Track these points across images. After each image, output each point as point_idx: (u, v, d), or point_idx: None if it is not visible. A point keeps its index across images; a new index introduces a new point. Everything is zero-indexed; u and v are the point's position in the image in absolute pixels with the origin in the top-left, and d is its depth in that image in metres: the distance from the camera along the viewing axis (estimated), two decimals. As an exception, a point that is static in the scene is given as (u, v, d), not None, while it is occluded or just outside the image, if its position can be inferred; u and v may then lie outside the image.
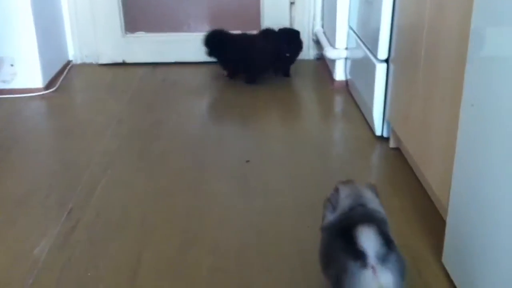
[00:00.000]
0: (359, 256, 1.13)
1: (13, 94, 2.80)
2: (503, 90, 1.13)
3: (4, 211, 1.83)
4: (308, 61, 3.30)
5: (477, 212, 1.26)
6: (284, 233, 1.69)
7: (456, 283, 1.39)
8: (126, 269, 1.54)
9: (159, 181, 2.01)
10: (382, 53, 2.18)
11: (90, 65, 3.32)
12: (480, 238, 1.25)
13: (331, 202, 1.31)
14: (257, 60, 2.95)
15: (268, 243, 1.65)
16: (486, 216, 1.21)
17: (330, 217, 1.29)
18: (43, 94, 2.85)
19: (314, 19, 3.30)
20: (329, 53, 2.87)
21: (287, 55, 2.98)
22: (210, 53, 2.98)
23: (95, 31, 3.26)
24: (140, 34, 3.34)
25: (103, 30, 3.26)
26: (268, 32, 3.00)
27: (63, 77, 3.10)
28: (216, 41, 2.97)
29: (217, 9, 3.31)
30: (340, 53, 2.82)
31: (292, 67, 3.06)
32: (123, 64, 3.32)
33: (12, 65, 2.80)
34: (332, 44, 2.88)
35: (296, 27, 3.26)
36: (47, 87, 2.89)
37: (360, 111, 2.56)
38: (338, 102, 2.80)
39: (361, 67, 2.52)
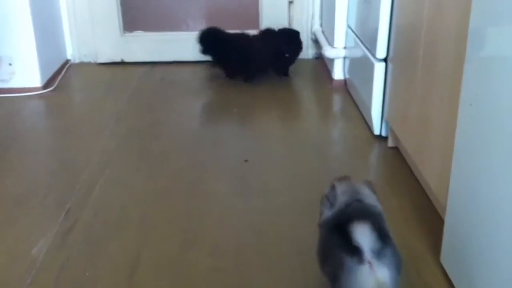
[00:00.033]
0: (355, 251, 1.14)
1: (11, 93, 2.80)
2: (501, 90, 1.13)
3: (2, 211, 1.83)
4: (306, 60, 3.30)
5: (475, 211, 1.26)
6: (284, 232, 1.69)
7: (454, 283, 1.39)
8: (125, 269, 1.53)
9: (158, 181, 2.01)
10: (381, 52, 2.18)
11: (88, 64, 3.32)
12: (478, 238, 1.25)
13: (328, 198, 1.32)
14: (252, 58, 2.95)
15: (267, 243, 1.65)
16: (485, 216, 1.21)
17: (328, 213, 1.31)
18: (41, 93, 2.85)
19: (312, 18, 3.30)
20: (328, 52, 2.87)
21: (287, 55, 2.95)
22: (204, 51, 2.97)
23: (93, 30, 3.26)
24: (139, 33, 3.33)
25: (101, 29, 3.26)
26: (267, 32, 2.99)
27: (62, 76, 3.10)
28: (211, 39, 2.96)
29: (215, 8, 3.31)
30: (338, 52, 2.82)
31: (291, 67, 3.06)
32: (122, 63, 3.32)
33: (10, 64, 2.80)
34: (331, 43, 2.88)
35: (294, 26, 3.26)
36: (45, 86, 2.89)
37: (359, 110, 2.56)
38: (337, 101, 2.80)
39: (360, 66, 2.52)
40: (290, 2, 3.28)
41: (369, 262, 1.13)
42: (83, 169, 2.08)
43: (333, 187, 1.33)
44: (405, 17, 1.97)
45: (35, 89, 2.85)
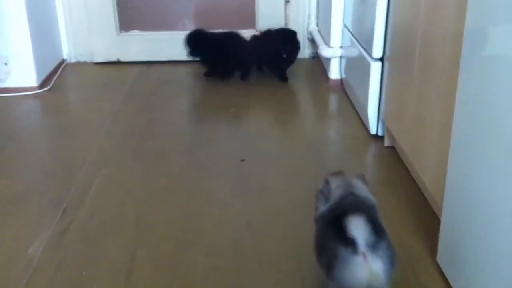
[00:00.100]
0: (350, 243, 1.16)
1: (7, 93, 2.79)
2: (497, 89, 1.13)
3: (-2, 211, 1.83)
4: (303, 59, 3.30)
5: (471, 210, 1.26)
6: (281, 232, 1.69)
7: (451, 282, 1.39)
8: (121, 269, 1.53)
9: (154, 180, 2.01)
10: (377, 51, 2.18)
11: (84, 63, 3.31)
12: (474, 237, 1.25)
13: (323, 193, 1.34)
14: (241, 57, 2.95)
15: (264, 242, 1.65)
16: (481, 215, 1.22)
17: (323, 208, 1.32)
18: (37, 93, 2.84)
19: (309, 17, 3.30)
20: (324, 51, 2.87)
21: (284, 56, 2.92)
22: (191, 53, 2.96)
23: (89, 29, 3.25)
24: (135, 33, 3.33)
25: (97, 28, 3.26)
26: (267, 33, 2.98)
27: (57, 76, 3.09)
28: (197, 41, 2.95)
29: (211, 7, 3.31)
30: (335, 52, 2.83)
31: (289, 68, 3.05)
32: (118, 62, 3.31)
33: (6, 64, 2.79)
34: (327, 43, 2.88)
35: (291, 25, 3.26)
36: (41, 86, 2.89)
37: (355, 109, 2.56)
38: (333, 100, 2.80)
39: (356, 66, 2.52)
40: (287, 2, 3.28)
41: (363, 254, 1.15)
42: (79, 169, 2.07)
43: (327, 182, 1.35)
44: (401, 17, 1.97)
45: (31, 88, 2.84)
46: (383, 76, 2.19)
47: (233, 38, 2.97)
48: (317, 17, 3.27)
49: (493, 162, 1.15)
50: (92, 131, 2.42)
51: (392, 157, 2.12)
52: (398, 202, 1.82)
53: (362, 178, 1.38)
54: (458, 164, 1.34)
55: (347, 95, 2.74)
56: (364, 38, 2.36)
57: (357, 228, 1.16)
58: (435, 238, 1.48)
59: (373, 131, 2.29)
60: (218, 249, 1.62)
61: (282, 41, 2.90)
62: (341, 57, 2.83)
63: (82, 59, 3.32)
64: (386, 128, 2.21)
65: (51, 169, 2.13)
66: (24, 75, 2.82)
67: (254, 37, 3.03)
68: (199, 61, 3.02)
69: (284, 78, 2.98)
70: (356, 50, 2.45)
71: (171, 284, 1.48)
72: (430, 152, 1.67)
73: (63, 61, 3.28)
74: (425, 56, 1.72)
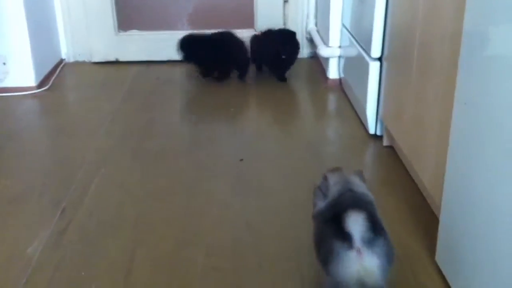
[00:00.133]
0: (346, 238, 1.16)
1: (5, 92, 2.79)
2: (496, 89, 1.13)
3: (-3, 211, 1.83)
4: (301, 59, 3.29)
5: (470, 210, 1.26)
6: (280, 231, 1.69)
7: (449, 282, 1.40)
8: (120, 269, 1.53)
9: (154, 180, 2.01)
10: (375, 51, 2.18)
11: (83, 63, 3.31)
12: (473, 236, 1.25)
13: (321, 190, 1.35)
14: (236, 57, 2.95)
15: (263, 242, 1.65)
16: (480, 214, 1.22)
17: (321, 204, 1.33)
18: (35, 92, 2.84)
19: (307, 17, 3.30)
20: (323, 51, 2.87)
21: (283, 56, 2.89)
22: (185, 58, 2.96)
23: (88, 29, 3.25)
24: (133, 33, 3.33)
25: (96, 28, 3.25)
26: (266, 33, 2.97)
27: (56, 75, 3.09)
28: (191, 45, 2.94)
29: (210, 7, 3.31)
30: (333, 51, 2.83)
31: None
32: (116, 62, 3.31)
33: (4, 63, 2.79)
34: (326, 42, 2.88)
35: (289, 25, 3.26)
36: (39, 85, 2.88)
37: (354, 109, 2.56)
38: (332, 100, 2.80)
39: (355, 65, 2.53)
40: (285, 1, 3.29)
41: (358, 249, 1.16)
42: (78, 169, 2.07)
43: (325, 178, 1.36)
44: (399, 16, 1.97)
45: (30, 88, 2.84)
46: (382, 76, 2.20)
47: (227, 38, 2.95)
48: (316, 17, 3.27)
49: (491, 161, 1.15)
50: (91, 131, 2.42)
51: (391, 157, 2.12)
52: (397, 201, 1.82)
53: (360, 174, 1.39)
54: (457, 163, 1.34)
55: (346, 95, 2.74)
56: (362, 38, 2.36)
57: (355, 223, 1.17)
58: (434, 238, 1.48)
59: (371, 130, 2.29)
60: (217, 249, 1.62)
61: (282, 42, 2.88)
62: (339, 56, 2.84)
63: (80, 59, 3.32)
64: (384, 128, 2.21)
65: (50, 169, 2.13)
66: (23, 74, 2.82)
67: (254, 37, 3.03)
68: (195, 65, 3.01)
69: (283, 78, 2.97)
70: (355, 50, 2.45)
71: (170, 284, 1.48)
72: (428, 152, 1.67)
73: (61, 60, 3.28)
74: (423, 56, 1.72)
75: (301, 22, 3.31)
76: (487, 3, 1.17)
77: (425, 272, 1.49)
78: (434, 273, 1.47)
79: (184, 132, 2.43)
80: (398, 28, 2.00)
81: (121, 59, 3.31)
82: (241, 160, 2.13)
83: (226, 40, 2.95)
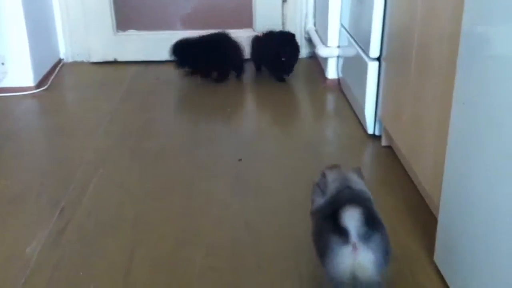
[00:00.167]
0: (343, 233, 1.18)
1: (4, 92, 2.79)
2: (494, 89, 1.13)
3: (-4, 211, 1.83)
4: (300, 59, 3.28)
5: (469, 210, 1.27)
6: (278, 231, 1.69)
7: (448, 282, 1.40)
8: (119, 269, 1.53)
9: (152, 180, 2.01)
10: (374, 51, 2.18)
11: (81, 63, 3.31)
12: (472, 236, 1.26)
13: (320, 187, 1.36)
14: (232, 58, 2.95)
15: (262, 241, 1.65)
16: (478, 214, 1.22)
17: (320, 201, 1.34)
18: (34, 92, 2.84)
19: (306, 17, 3.30)
20: (321, 51, 2.87)
21: (283, 59, 2.87)
22: (180, 64, 2.95)
23: (86, 29, 3.25)
24: (132, 32, 3.33)
25: (94, 28, 3.25)
26: (267, 35, 2.96)
27: (54, 75, 3.09)
28: (185, 50, 2.93)
29: (209, 7, 3.31)
30: (332, 51, 2.83)
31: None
32: (115, 62, 3.31)
33: (3, 63, 2.78)
34: (324, 42, 2.88)
35: (288, 25, 3.26)
36: (38, 85, 2.88)
37: (352, 109, 2.56)
38: (330, 100, 2.80)
39: (353, 65, 2.53)
40: (284, 1, 3.29)
41: (354, 245, 1.17)
42: (76, 169, 2.07)
43: (323, 175, 1.37)
44: (398, 16, 1.98)
45: (28, 88, 2.84)
46: (380, 76, 2.20)
47: (220, 39, 2.94)
48: (314, 16, 3.27)
49: (490, 161, 1.16)
50: (89, 131, 2.42)
51: (390, 157, 2.12)
52: (395, 201, 1.82)
53: (358, 171, 1.41)
54: (455, 163, 1.34)
55: (345, 95, 2.74)
56: (361, 38, 2.36)
57: (351, 218, 1.18)
58: (432, 238, 1.48)
59: (370, 130, 2.29)
60: (216, 248, 1.62)
61: (282, 44, 2.86)
62: (338, 56, 2.84)
63: (79, 59, 3.32)
64: (383, 128, 2.21)
65: (49, 168, 2.13)
66: (21, 74, 2.82)
67: (255, 38, 3.02)
68: (189, 69, 3.00)
69: (281, 79, 2.97)
70: (353, 50, 2.46)
71: (169, 283, 1.48)
72: (427, 152, 1.67)
73: (60, 60, 3.28)
74: (422, 56, 1.72)
75: (299, 22, 3.31)
76: (485, 3, 1.17)
77: (423, 272, 1.49)
78: (432, 273, 1.47)
79: (183, 132, 2.43)
80: (396, 28, 2.00)
81: (120, 59, 3.31)
82: (240, 160, 2.13)
83: (220, 41, 2.94)
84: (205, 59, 2.94)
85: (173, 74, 3.11)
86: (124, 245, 1.63)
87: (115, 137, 2.36)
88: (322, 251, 1.24)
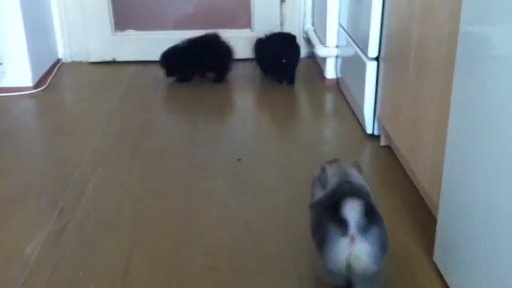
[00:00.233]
0: (342, 224, 1.20)
1: (2, 92, 2.79)
2: (492, 88, 1.13)
3: (-5, 211, 1.83)
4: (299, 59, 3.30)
5: (468, 209, 1.27)
6: (278, 231, 1.69)
7: (448, 281, 1.40)
8: (118, 269, 1.53)
9: (151, 180, 2.01)
10: (373, 51, 2.18)
11: (80, 63, 3.31)
12: (471, 236, 1.26)
13: (320, 180, 1.38)
14: (226, 58, 2.95)
15: (261, 241, 1.65)
16: (477, 213, 1.22)
17: (320, 194, 1.37)
18: (32, 92, 2.84)
19: (304, 17, 3.30)
20: (320, 51, 2.87)
21: (284, 61, 2.84)
22: (168, 74, 2.96)
23: (84, 29, 3.25)
24: (130, 32, 3.33)
25: (92, 28, 3.25)
26: (270, 36, 2.96)
27: (53, 75, 3.09)
28: (175, 58, 2.94)
29: (207, 7, 3.31)
30: (330, 51, 2.83)
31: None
32: (113, 62, 3.31)
33: (1, 63, 2.78)
34: (323, 42, 2.88)
35: (286, 25, 3.26)
36: (36, 85, 2.88)
37: (351, 109, 2.56)
38: (329, 100, 2.80)
39: (352, 65, 2.53)
40: (282, 1, 3.29)
41: (352, 236, 1.19)
42: (75, 169, 2.07)
43: (323, 169, 1.39)
44: (396, 16, 1.98)
45: (26, 88, 2.84)
46: (379, 76, 2.20)
47: (207, 41, 2.94)
48: (313, 16, 3.27)
49: (488, 161, 1.16)
50: (88, 131, 2.41)
51: (388, 157, 2.12)
52: (394, 201, 1.82)
53: (357, 166, 1.44)
54: (454, 163, 1.34)
55: (343, 95, 2.74)
56: (359, 38, 2.36)
57: (352, 210, 1.19)
58: (432, 238, 1.49)
59: (369, 130, 2.30)
60: (215, 248, 1.62)
61: (282, 46, 2.84)
62: (336, 56, 2.84)
63: (77, 59, 3.32)
64: (382, 128, 2.21)
65: (48, 168, 2.13)
66: (20, 74, 2.82)
67: (258, 40, 3.01)
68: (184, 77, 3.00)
69: (280, 80, 2.96)
70: (352, 50, 2.46)
71: (168, 283, 1.48)
72: (426, 152, 1.67)
73: (58, 60, 3.27)
74: (420, 56, 1.72)
75: (298, 22, 3.31)
76: (483, 3, 1.17)
77: (423, 272, 1.49)
78: (432, 273, 1.47)
79: (182, 132, 2.43)
80: (395, 28, 2.00)
81: (118, 59, 3.31)
82: (239, 160, 2.13)
83: (206, 44, 2.93)
84: (194, 66, 2.95)
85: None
86: (123, 245, 1.63)
87: (114, 137, 2.36)
88: (321, 241, 1.26)
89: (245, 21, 3.33)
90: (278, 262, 1.55)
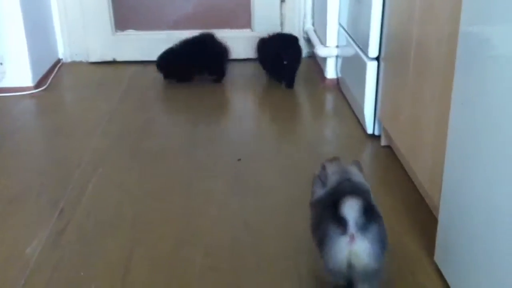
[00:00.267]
0: (341, 223, 1.20)
1: (2, 93, 2.79)
2: (493, 88, 1.13)
3: (-5, 211, 1.83)
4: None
5: (468, 209, 1.27)
6: (278, 231, 1.69)
7: (449, 281, 1.40)
8: (119, 269, 1.53)
9: (151, 180, 2.01)
10: (373, 51, 2.18)
11: (80, 63, 3.31)
12: (472, 236, 1.26)
13: (320, 178, 1.39)
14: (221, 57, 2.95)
15: (261, 241, 1.65)
16: (478, 213, 1.22)
17: (320, 192, 1.37)
18: (33, 92, 2.84)
19: (304, 17, 3.30)
20: (320, 51, 2.87)
21: (285, 62, 2.83)
22: (166, 76, 2.98)
23: (85, 29, 3.25)
24: (130, 32, 3.33)
25: (93, 28, 3.25)
26: (272, 37, 2.95)
27: (53, 75, 3.09)
28: (171, 61, 2.96)
29: (207, 6, 3.31)
30: (330, 51, 2.83)
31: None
32: (114, 62, 3.31)
33: (1, 63, 2.78)
34: (323, 42, 2.88)
35: (286, 25, 3.26)
36: (37, 85, 2.88)
37: (351, 109, 2.56)
38: (329, 100, 2.80)
39: (352, 65, 2.53)
40: (282, 1, 3.29)
41: (352, 235, 1.20)
42: (76, 169, 2.07)
43: (324, 168, 1.40)
44: (396, 16, 1.98)
45: (27, 88, 2.84)
46: (379, 76, 2.20)
47: (203, 42, 2.94)
48: (313, 16, 3.27)
49: (489, 161, 1.16)
50: (88, 131, 2.42)
51: (389, 157, 2.12)
52: (395, 201, 1.82)
53: (358, 164, 1.44)
54: (455, 163, 1.34)
55: (343, 95, 2.74)
56: (360, 38, 2.36)
57: (351, 209, 1.20)
58: (432, 238, 1.49)
59: (369, 130, 2.30)
60: (215, 248, 1.62)
61: (284, 47, 2.83)
62: (337, 56, 2.84)
63: (77, 59, 3.32)
64: (382, 128, 2.21)
65: (48, 169, 2.13)
66: (20, 75, 2.82)
67: (261, 40, 3.00)
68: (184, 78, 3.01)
69: (280, 80, 2.96)
70: (352, 50, 2.46)
71: (168, 283, 1.48)
72: (426, 152, 1.67)
73: (59, 60, 3.27)
74: (420, 56, 1.72)
75: (298, 22, 3.31)
76: (484, 3, 1.17)
77: (424, 272, 1.49)
78: (433, 273, 1.47)
79: (182, 132, 2.43)
80: (395, 28, 2.00)
81: (118, 59, 3.31)
82: (239, 160, 2.13)
83: (202, 45, 2.94)
84: (190, 67, 2.96)
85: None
86: (124, 245, 1.63)
87: (114, 137, 2.36)
88: (321, 240, 1.26)
89: (245, 21, 3.33)
90: (278, 262, 1.55)
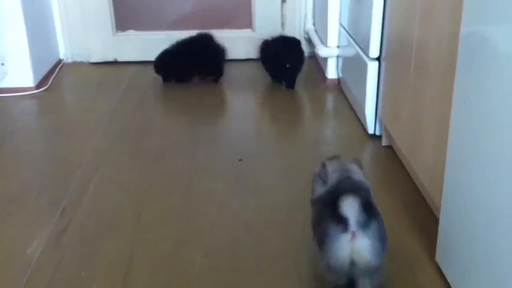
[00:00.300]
0: (342, 221, 1.21)
1: (3, 93, 2.79)
2: (494, 88, 1.13)
3: (-4, 211, 1.83)
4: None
5: (469, 209, 1.27)
6: (278, 231, 1.69)
7: (450, 281, 1.40)
8: (120, 269, 1.53)
9: (152, 180, 2.01)
10: (374, 51, 2.18)
11: (81, 63, 3.31)
12: (473, 236, 1.26)
13: (321, 176, 1.40)
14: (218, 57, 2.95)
15: (262, 241, 1.65)
16: (479, 213, 1.22)
17: (320, 190, 1.38)
18: (34, 93, 2.84)
19: (305, 17, 3.30)
20: (321, 51, 2.87)
21: (288, 65, 2.82)
22: (164, 78, 2.98)
23: (85, 29, 3.25)
24: (131, 33, 3.33)
25: (93, 28, 3.25)
26: (275, 39, 2.95)
27: (54, 76, 3.09)
28: (168, 63, 2.96)
29: (208, 7, 3.31)
30: (331, 51, 2.83)
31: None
32: (114, 62, 3.31)
33: (2, 64, 2.78)
34: (324, 42, 2.88)
35: (287, 25, 3.26)
36: (38, 86, 2.88)
37: (352, 109, 2.56)
38: (330, 100, 2.80)
39: (353, 65, 2.53)
40: (283, 2, 3.29)
41: (353, 233, 1.21)
42: (77, 169, 2.07)
43: (324, 166, 1.41)
44: (397, 16, 1.98)
45: (28, 89, 2.84)
46: (380, 76, 2.20)
47: (200, 42, 2.95)
48: (314, 16, 3.27)
49: (490, 161, 1.16)
50: (89, 131, 2.42)
51: (390, 157, 2.12)
52: (396, 201, 1.82)
53: (358, 162, 1.46)
54: (456, 163, 1.34)
55: (344, 95, 2.74)
56: (360, 38, 2.36)
57: (350, 207, 1.21)
58: (433, 238, 1.49)
59: (370, 130, 2.29)
60: (216, 248, 1.62)
61: (287, 50, 2.82)
62: (338, 56, 2.84)
63: (78, 59, 3.32)
64: (383, 128, 2.21)
65: (49, 169, 2.13)
66: (21, 75, 2.82)
67: (264, 42, 3.00)
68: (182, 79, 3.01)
69: (280, 81, 2.95)
70: (353, 50, 2.46)
71: (169, 283, 1.48)
72: (427, 152, 1.67)
73: (60, 61, 3.28)
74: (421, 56, 1.72)
75: (299, 22, 3.31)
76: (484, 4, 1.17)
77: (424, 272, 1.49)
78: (433, 273, 1.47)
79: (183, 132, 2.43)
80: (396, 28, 2.00)
81: (119, 59, 3.31)
82: (240, 160, 2.13)
83: (198, 45, 2.94)
84: (187, 68, 2.96)
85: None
86: (125, 245, 1.63)
87: (115, 137, 2.36)
88: (321, 238, 1.27)
89: (246, 22, 3.33)
90: (278, 262, 1.55)
